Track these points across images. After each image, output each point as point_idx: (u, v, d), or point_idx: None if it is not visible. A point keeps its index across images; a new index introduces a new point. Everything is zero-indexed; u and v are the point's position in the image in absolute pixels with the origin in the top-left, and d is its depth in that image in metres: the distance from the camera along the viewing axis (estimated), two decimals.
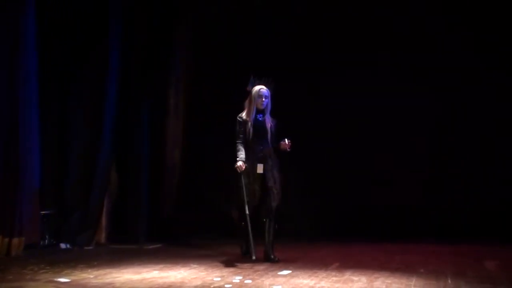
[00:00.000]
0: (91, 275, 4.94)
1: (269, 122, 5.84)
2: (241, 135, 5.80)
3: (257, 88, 5.85)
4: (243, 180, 5.68)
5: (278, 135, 5.83)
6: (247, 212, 5.61)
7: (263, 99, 5.82)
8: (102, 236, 7.10)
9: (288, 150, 5.76)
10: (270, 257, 5.64)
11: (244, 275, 4.95)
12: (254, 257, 5.54)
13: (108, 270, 5.18)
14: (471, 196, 7.60)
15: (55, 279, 4.71)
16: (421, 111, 7.89)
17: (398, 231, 7.41)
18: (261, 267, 5.29)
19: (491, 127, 7.68)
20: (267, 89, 5.84)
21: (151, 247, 6.93)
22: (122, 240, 7.08)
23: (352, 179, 7.77)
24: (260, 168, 5.73)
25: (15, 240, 5.97)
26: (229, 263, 5.60)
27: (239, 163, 5.67)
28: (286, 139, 5.74)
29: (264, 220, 5.72)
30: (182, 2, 7.83)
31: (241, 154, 5.71)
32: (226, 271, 5.16)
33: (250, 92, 5.86)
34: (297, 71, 7.50)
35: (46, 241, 6.67)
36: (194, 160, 8.02)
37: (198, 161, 8.09)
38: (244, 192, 5.63)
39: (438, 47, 7.82)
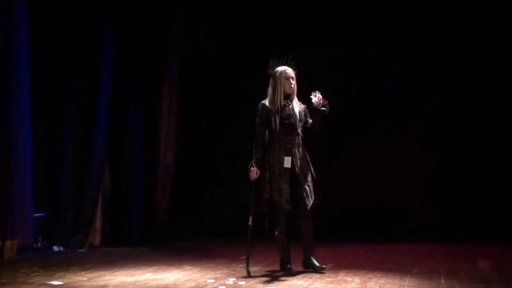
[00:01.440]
0: (84, 278, 4.93)
1: (298, 107, 5.06)
2: (263, 128, 5.00)
3: (281, 69, 5.03)
4: (267, 176, 4.94)
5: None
6: (250, 222, 4.93)
7: (291, 81, 5.03)
8: (96, 238, 7.08)
9: (320, 105, 4.93)
10: (315, 265, 5.00)
11: (237, 276, 4.94)
12: (289, 266, 5.04)
13: (101, 273, 5.17)
14: (465, 196, 7.59)
15: (48, 282, 4.69)
16: (417, 111, 7.87)
17: (393, 232, 7.41)
18: (255, 268, 5.28)
19: (487, 128, 7.66)
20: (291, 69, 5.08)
21: (145, 249, 6.90)
22: (116, 242, 7.05)
23: (346, 179, 7.74)
24: (287, 162, 4.92)
25: (8, 243, 5.94)
26: (223, 264, 5.60)
27: (252, 170, 4.93)
28: (316, 93, 4.97)
29: (300, 222, 4.98)
30: (176, 4, 7.80)
31: (258, 154, 4.94)
32: (220, 273, 5.15)
33: (273, 75, 5.03)
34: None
35: (39, 243, 6.65)
36: (188, 162, 7.99)
37: (193, 163, 8.07)
38: (261, 192, 4.94)
39: (438, 51, 7.77)
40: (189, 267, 5.47)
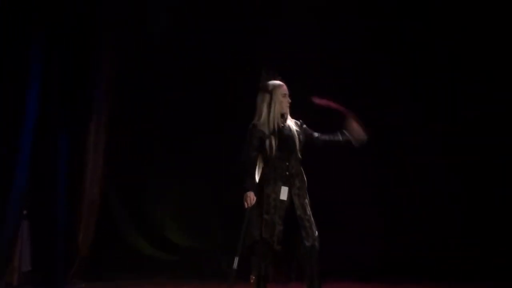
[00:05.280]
0: None
1: (294, 126, 4.33)
2: (255, 153, 4.20)
3: (276, 83, 4.28)
4: (259, 209, 4.16)
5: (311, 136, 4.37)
6: (235, 266, 4.14)
7: (288, 99, 4.32)
8: (14, 278, 6.81)
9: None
10: None
11: None
12: None
13: None
14: (369, 238, 7.58)
15: None
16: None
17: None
18: None
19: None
20: None
21: None
22: (36, 282, 6.79)
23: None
24: (284, 193, 4.15)
25: None
26: None
27: (249, 195, 4.11)
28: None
29: (302, 267, 4.22)
30: (105, 36, 7.74)
31: (252, 180, 4.13)
32: None
33: (268, 90, 4.24)
34: None
35: None
36: (114, 198, 7.84)
37: (119, 199, 7.92)
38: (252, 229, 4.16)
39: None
40: None
